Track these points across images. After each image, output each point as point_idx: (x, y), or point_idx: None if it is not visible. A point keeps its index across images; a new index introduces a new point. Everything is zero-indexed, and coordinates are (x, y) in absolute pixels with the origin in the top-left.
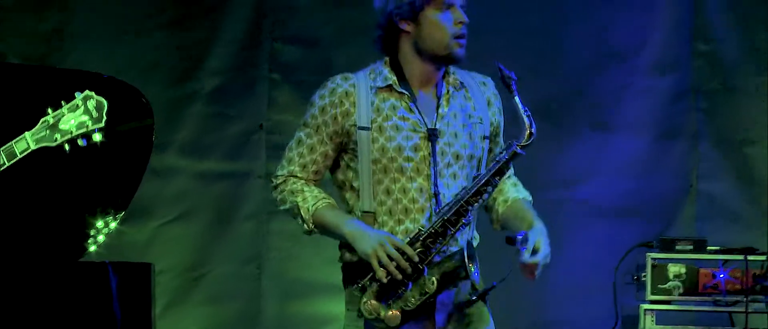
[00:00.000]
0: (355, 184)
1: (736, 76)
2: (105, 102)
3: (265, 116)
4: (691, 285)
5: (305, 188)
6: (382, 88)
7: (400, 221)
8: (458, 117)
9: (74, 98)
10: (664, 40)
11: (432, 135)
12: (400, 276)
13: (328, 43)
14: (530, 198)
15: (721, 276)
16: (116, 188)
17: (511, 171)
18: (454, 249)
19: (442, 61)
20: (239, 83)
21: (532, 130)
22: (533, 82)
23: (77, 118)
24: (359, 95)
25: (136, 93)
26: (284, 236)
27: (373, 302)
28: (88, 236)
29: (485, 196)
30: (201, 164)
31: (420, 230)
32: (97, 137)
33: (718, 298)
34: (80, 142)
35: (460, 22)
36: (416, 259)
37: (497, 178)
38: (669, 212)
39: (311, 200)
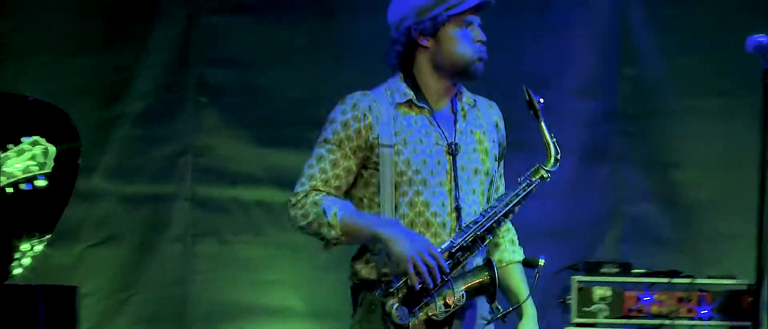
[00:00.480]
0: (376, 199)
1: (661, 99)
2: (53, 150)
3: (192, 139)
4: (617, 308)
5: (328, 197)
6: (401, 103)
7: (421, 234)
8: (474, 133)
9: (21, 141)
10: (590, 64)
11: (453, 149)
12: (432, 285)
13: (255, 65)
14: (522, 256)
15: (646, 298)
16: (43, 212)
17: (508, 223)
18: (470, 264)
19: (461, 76)
20: (166, 106)
21: (559, 156)
22: None
23: (23, 162)
24: (381, 109)
25: (63, 115)
26: (210, 259)
27: (404, 307)
28: (13, 259)
29: (511, 216)
30: (127, 187)
31: (452, 241)
32: (41, 183)
33: (643, 321)
34: (23, 186)
35: (480, 41)
36: (447, 271)
37: (525, 199)
38: (594, 235)
39: (338, 205)
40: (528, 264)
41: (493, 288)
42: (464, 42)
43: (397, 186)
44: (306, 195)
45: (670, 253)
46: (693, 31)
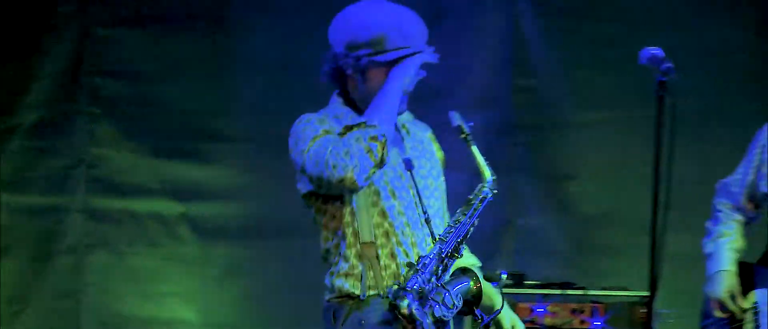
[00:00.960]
0: (353, 223)
1: (556, 112)
2: None
3: (86, 150)
4: None
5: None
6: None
7: (399, 244)
8: (418, 148)
9: None
10: (485, 76)
11: (408, 164)
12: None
13: (149, 77)
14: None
15: (540, 310)
16: None
17: None
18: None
19: None
20: (59, 118)
21: (494, 176)
22: None
23: None
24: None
25: None
26: (103, 270)
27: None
28: None
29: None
30: (21, 199)
31: (441, 247)
32: None
33: None
34: None
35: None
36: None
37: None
38: (489, 246)
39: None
40: (488, 279)
41: (479, 294)
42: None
43: (367, 196)
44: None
45: (564, 265)
46: (588, 43)
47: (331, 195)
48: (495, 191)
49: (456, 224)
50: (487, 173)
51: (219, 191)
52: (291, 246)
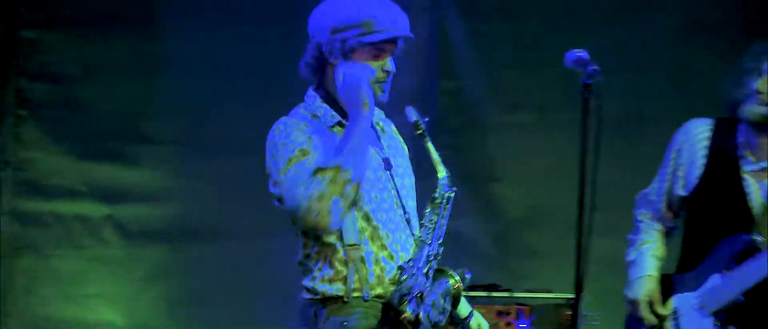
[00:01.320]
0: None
1: (481, 113)
2: None
3: (12, 152)
4: None
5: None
6: (333, 125)
7: (383, 247)
8: (393, 147)
9: None
10: (409, 78)
11: (387, 164)
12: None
13: (75, 79)
14: None
15: None
16: None
17: None
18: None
19: None
20: None
21: (448, 173)
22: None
23: None
24: (316, 132)
25: None
26: (29, 273)
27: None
28: None
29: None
30: None
31: (430, 247)
32: None
33: None
34: None
35: (386, 72)
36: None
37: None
38: None
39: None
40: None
41: (459, 294)
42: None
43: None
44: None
45: (490, 267)
46: (513, 45)
47: None
48: (455, 189)
49: (432, 224)
50: (442, 170)
51: (145, 193)
52: (217, 249)
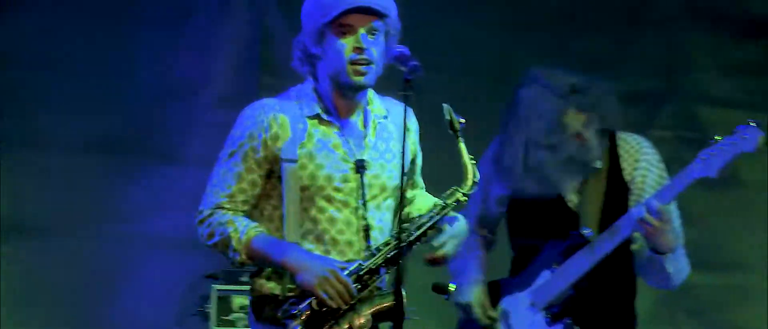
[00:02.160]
0: (277, 212)
1: None
2: None
3: None
4: None
5: (235, 218)
6: (311, 116)
7: (327, 252)
8: (384, 147)
9: None
10: (231, 74)
11: (360, 167)
12: (342, 308)
13: None
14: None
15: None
16: None
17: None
18: (383, 282)
19: (344, 88)
20: None
21: (476, 179)
22: (100, 117)
23: None
24: (287, 120)
25: None
26: None
27: None
28: None
29: (424, 240)
30: None
31: (360, 264)
32: None
33: None
34: None
35: (357, 48)
36: (355, 294)
37: (439, 223)
38: None
39: (242, 228)
40: (438, 289)
41: (401, 315)
42: (340, 50)
43: (300, 201)
44: (211, 214)
45: None
46: None
47: (267, 194)
48: (468, 196)
49: (397, 236)
50: (470, 175)
51: None
52: (45, 246)
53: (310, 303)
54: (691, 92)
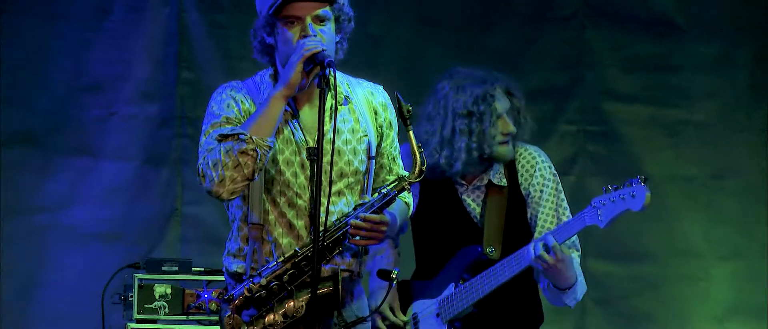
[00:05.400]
0: (244, 207)
1: None
2: None
3: None
4: (177, 305)
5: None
6: None
7: (283, 235)
8: (342, 133)
9: None
10: (148, 69)
11: (313, 154)
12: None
13: None
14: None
15: (206, 296)
16: None
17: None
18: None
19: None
20: None
21: (424, 167)
22: (16, 110)
23: None
24: (253, 105)
25: None
26: None
27: (236, 316)
28: None
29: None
30: None
31: (296, 251)
32: None
33: (202, 318)
34: None
35: (304, 35)
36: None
37: (383, 208)
38: (155, 234)
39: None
40: (383, 275)
41: (336, 300)
42: (289, 39)
43: (264, 183)
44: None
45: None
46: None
47: None
48: (413, 182)
49: (337, 223)
50: (418, 162)
51: None
52: None
53: (245, 288)
54: (595, 87)
